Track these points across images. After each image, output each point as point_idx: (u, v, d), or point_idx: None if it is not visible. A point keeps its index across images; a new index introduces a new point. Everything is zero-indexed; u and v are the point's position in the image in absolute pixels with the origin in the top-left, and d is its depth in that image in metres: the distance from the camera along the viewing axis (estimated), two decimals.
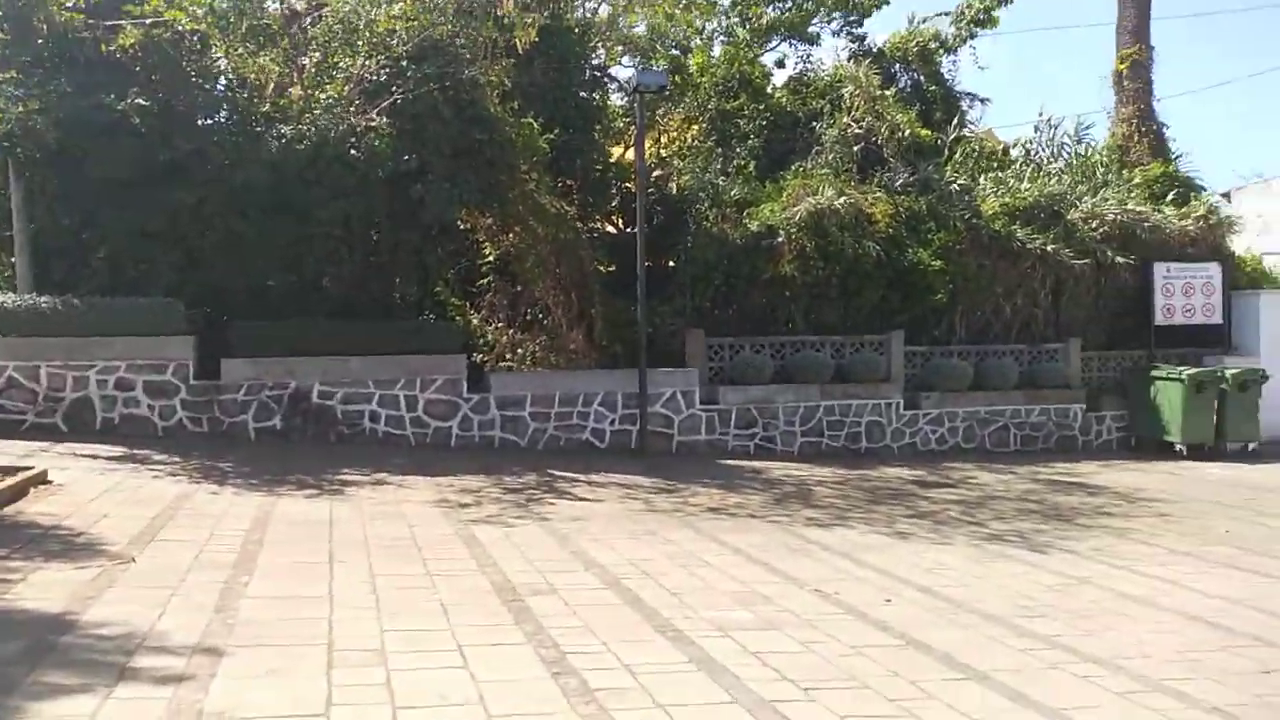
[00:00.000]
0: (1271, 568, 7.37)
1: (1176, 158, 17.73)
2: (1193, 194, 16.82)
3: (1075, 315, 15.45)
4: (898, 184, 14.84)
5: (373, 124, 12.01)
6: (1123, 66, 17.72)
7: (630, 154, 15.03)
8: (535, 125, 13.05)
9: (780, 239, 14.08)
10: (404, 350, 12.16)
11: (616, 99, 17.51)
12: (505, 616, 5.16)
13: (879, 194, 14.48)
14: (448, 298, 14.03)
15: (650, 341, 13.22)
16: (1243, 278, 16.98)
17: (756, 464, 12.46)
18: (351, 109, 12.25)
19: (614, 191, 15.42)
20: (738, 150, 16.97)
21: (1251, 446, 14.33)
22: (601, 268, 14.64)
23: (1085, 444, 14.84)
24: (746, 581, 6.29)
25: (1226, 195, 21.20)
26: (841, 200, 14.04)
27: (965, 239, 14.39)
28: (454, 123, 12.25)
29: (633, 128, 13.75)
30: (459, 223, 13.22)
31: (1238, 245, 17.40)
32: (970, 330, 15.14)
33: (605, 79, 17.14)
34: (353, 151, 12.04)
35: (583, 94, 15.32)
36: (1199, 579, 6.86)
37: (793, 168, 15.64)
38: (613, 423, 12.95)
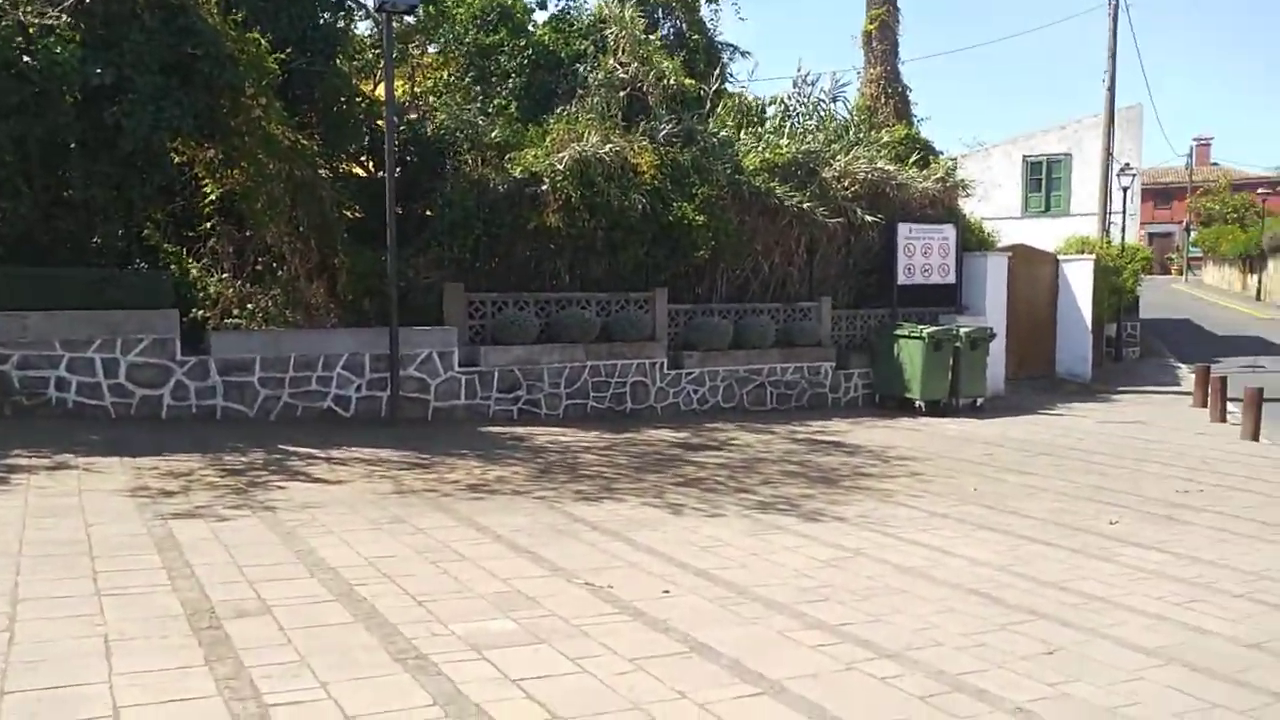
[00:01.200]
0: (1020, 527, 7.59)
1: (919, 121, 18.63)
2: (931, 157, 17.70)
3: (827, 274, 15.85)
4: (662, 134, 14.39)
5: (51, 24, 9.82)
6: (871, 27, 18.27)
7: (383, 90, 13.53)
8: (264, 42, 11.29)
9: (545, 187, 13.24)
10: (98, 304, 10.21)
11: (365, 28, 15.83)
12: (193, 653, 4.04)
13: (645, 143, 13.97)
14: (159, 242, 12.03)
15: (403, 296, 12.01)
16: (972, 240, 18.20)
17: (520, 430, 11.69)
18: (22, 4, 9.96)
19: (364, 131, 13.86)
20: (499, 89, 15.91)
21: (979, 402, 15.37)
22: (350, 214, 13.18)
23: (835, 401, 15.32)
24: (509, 578, 5.51)
25: (953, 161, 22.71)
26: (608, 148, 13.39)
27: (727, 194, 14.22)
28: (160, 32, 10.30)
29: (384, 61, 12.29)
30: (171, 153, 11.26)
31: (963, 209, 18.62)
32: (731, 288, 15.11)
33: (351, 3, 15.37)
34: (26, 59, 9.80)
35: (325, 15, 13.56)
36: (963, 544, 6.89)
37: (557, 111, 14.81)
38: (359, 388, 11.67)
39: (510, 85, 15.81)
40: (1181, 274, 56.97)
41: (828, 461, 10.46)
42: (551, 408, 13.04)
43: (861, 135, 16.56)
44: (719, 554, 6.35)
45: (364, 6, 15.17)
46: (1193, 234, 56.27)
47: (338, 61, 13.60)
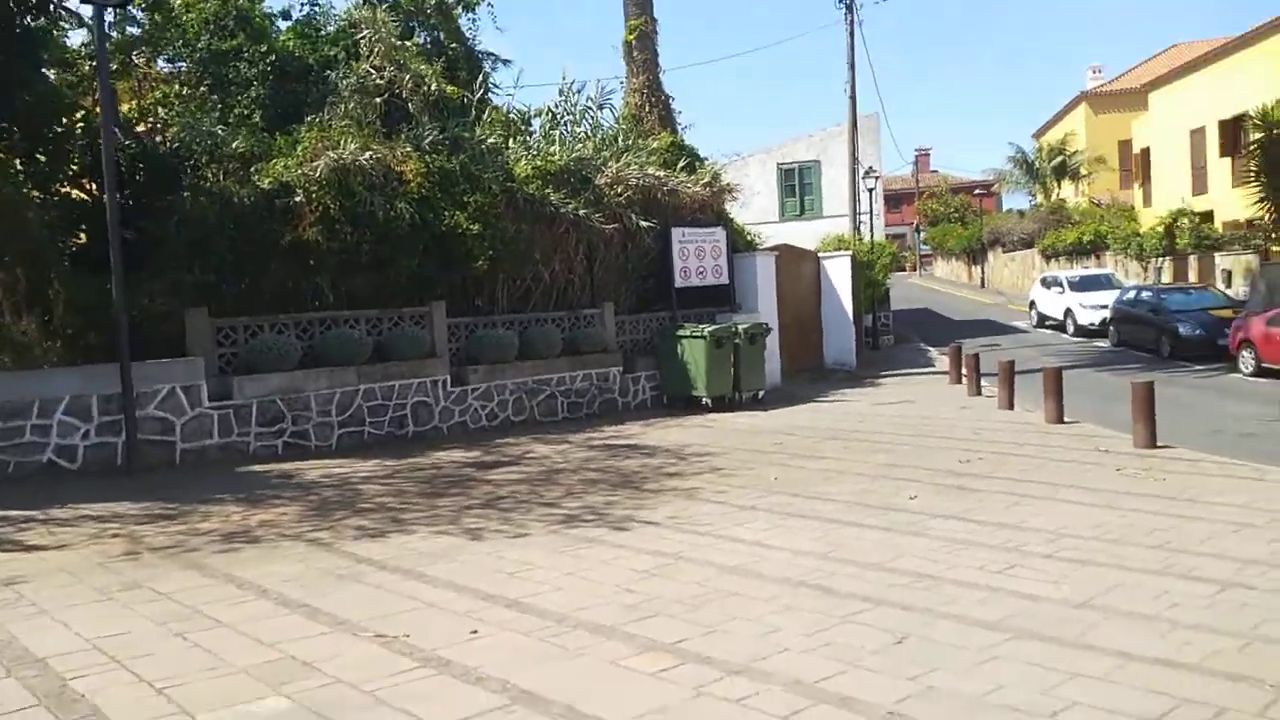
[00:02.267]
0: (828, 511, 7.49)
1: (684, 129, 18.82)
2: (697, 163, 17.91)
3: (608, 280, 15.57)
4: (427, 141, 13.55)
5: None
6: (631, 37, 18.28)
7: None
8: None
9: (299, 198, 12.05)
10: None
11: (79, 38, 13.89)
12: None
13: (409, 150, 13.07)
14: None
15: (137, 327, 10.46)
16: (740, 242, 18.60)
17: (287, 466, 10.44)
18: None
19: (84, 149, 11.98)
20: (239, 99, 14.41)
21: (761, 394, 15.61)
22: (72, 240, 11.45)
23: (625, 405, 15.04)
24: (279, 641, 4.58)
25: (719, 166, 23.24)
26: (367, 156, 12.40)
27: (501, 202, 13.59)
28: None
29: (98, 57, 10.67)
30: None
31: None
32: (512, 298, 14.47)
33: (58, 8, 13.35)
34: None
35: (25, 18, 11.60)
36: (780, 535, 6.65)
37: (308, 120, 13.60)
38: (87, 435, 10.00)
39: (253, 94, 14.36)
40: (915, 270, 62.39)
41: (628, 465, 10.05)
42: (323, 439, 11.83)
43: (630, 142, 16.46)
44: (529, 579, 5.70)
45: (77, 15, 13.21)
46: (922, 234, 61.79)
47: (44, 69, 11.72)
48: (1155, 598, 5.03)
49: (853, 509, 7.56)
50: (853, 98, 23.63)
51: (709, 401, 14.75)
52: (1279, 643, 4.29)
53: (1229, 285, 22.58)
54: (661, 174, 15.74)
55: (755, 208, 27.19)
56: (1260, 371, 16.08)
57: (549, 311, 14.75)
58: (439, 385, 12.98)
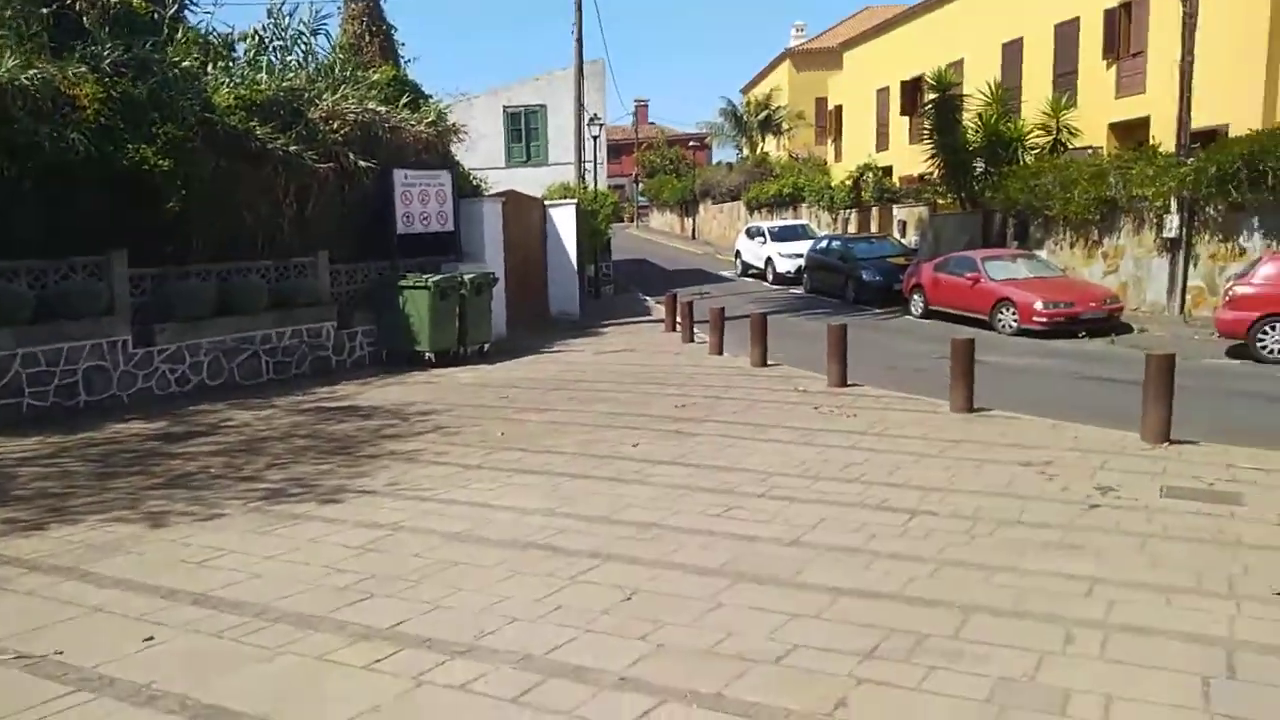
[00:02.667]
0: (556, 464, 7.42)
1: (407, 63, 17.74)
2: (421, 100, 17.02)
3: (322, 225, 14.41)
4: (107, 62, 11.68)
5: None
6: None
7: None
8: None
9: None
10: None
11: None
12: None
13: (84, 71, 11.23)
14: None
15: None
16: (466, 187, 18.01)
17: None
18: None
19: None
20: None
21: (486, 347, 15.30)
22: None
23: (340, 364, 14.13)
24: None
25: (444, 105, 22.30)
26: (31, 74, 10.50)
27: (197, 135, 12.06)
28: None
29: None
30: None
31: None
32: (211, 245, 12.96)
33: None
34: None
35: None
36: (506, 494, 6.47)
37: None
38: None
39: None
40: (634, 221, 64.25)
41: (343, 430, 9.42)
42: None
43: (348, 74, 15.22)
44: (222, 566, 5.11)
45: None
46: (640, 185, 63.63)
47: None
48: (855, 530, 5.41)
49: (578, 460, 7.54)
50: (579, 40, 23.46)
51: (432, 356, 14.22)
52: (961, 565, 4.75)
53: (905, 235, 25.17)
54: (383, 109, 14.75)
55: (482, 152, 26.48)
56: (928, 313, 18.08)
57: (254, 261, 13.44)
58: (118, 347, 11.44)
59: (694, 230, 48.02)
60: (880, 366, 12.72)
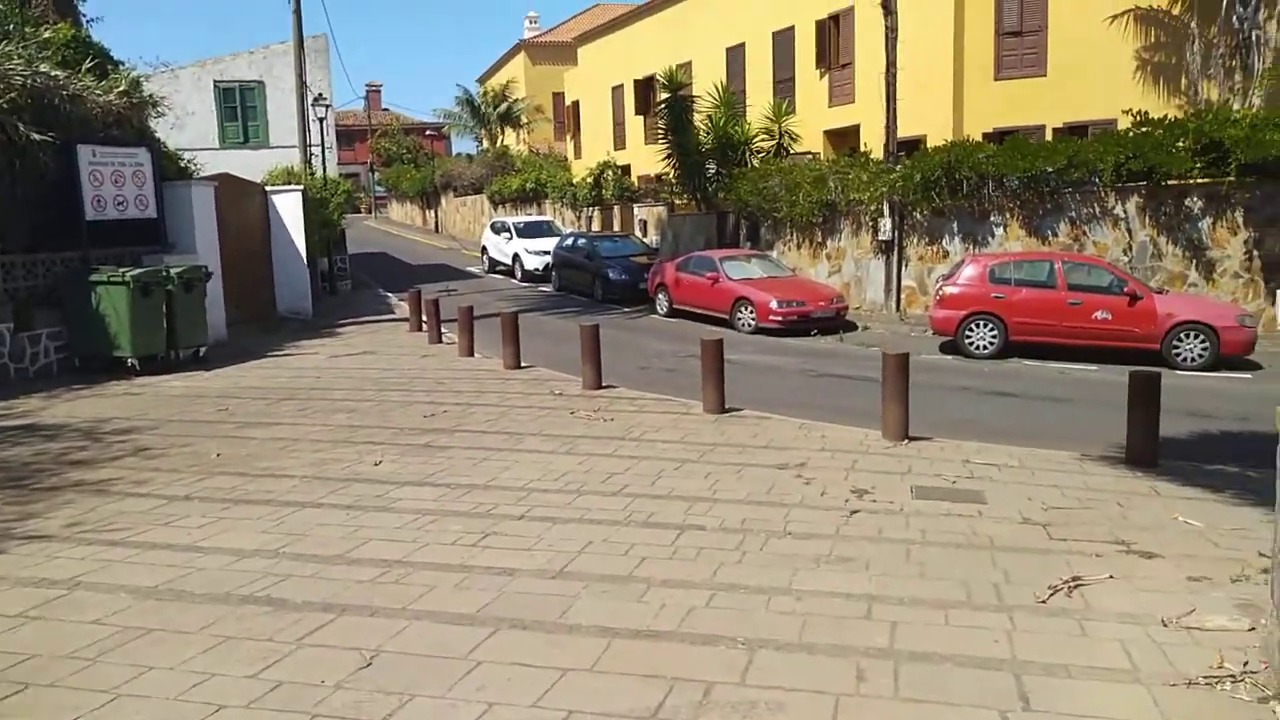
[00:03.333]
0: (282, 491, 6.52)
1: (90, 22, 15.36)
2: (111, 67, 14.82)
3: None
4: None
5: None
6: None
7: None
8: None
9: None
10: None
11: None
12: None
13: None
14: None
15: None
16: (171, 169, 15.99)
17: None
18: None
19: None
20: None
21: (202, 351, 13.63)
22: None
23: (20, 373, 12.01)
24: None
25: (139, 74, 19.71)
26: None
27: None
28: None
29: None
30: None
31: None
32: None
33: None
34: None
35: None
36: (221, 532, 5.53)
37: None
38: None
39: None
40: (371, 212, 61.31)
41: (17, 455, 7.83)
42: None
43: (13, 30, 12.84)
44: None
45: None
46: (376, 174, 60.78)
47: None
48: (624, 554, 5.07)
49: (312, 485, 6.68)
50: (297, 11, 21.57)
51: (135, 362, 12.39)
52: (737, 589, 4.53)
53: (646, 234, 25.61)
54: (59, 74, 12.58)
55: (191, 130, 23.89)
56: (673, 312, 18.39)
57: None
58: None
59: (437, 223, 46.47)
60: (633, 366, 12.64)
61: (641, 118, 31.08)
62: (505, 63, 46.89)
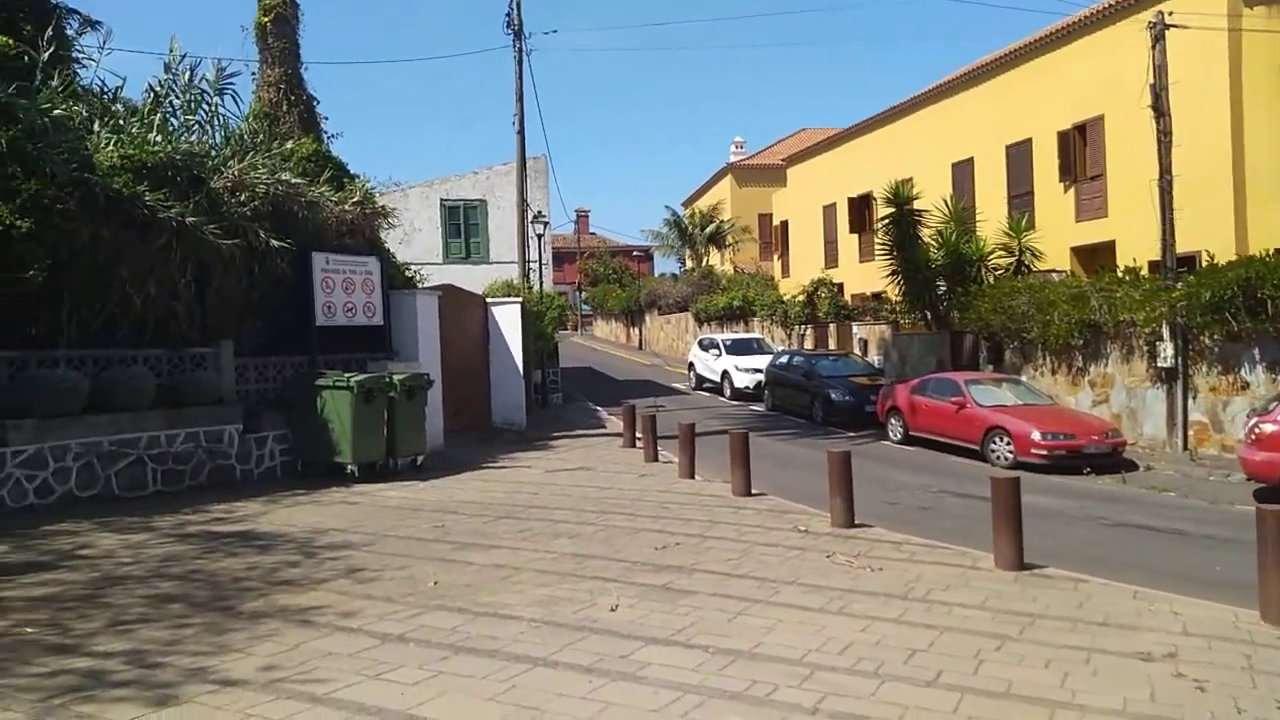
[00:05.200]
0: (509, 637, 5.43)
1: (330, 137, 16.06)
2: (346, 179, 15.30)
3: (226, 312, 12.41)
4: None
5: None
6: (266, 19, 15.27)
7: None
8: None
9: None
10: None
11: None
12: None
13: None
14: None
15: None
16: (398, 278, 16.21)
17: None
18: None
19: None
20: None
21: (420, 460, 13.24)
22: None
23: (245, 475, 11.93)
24: None
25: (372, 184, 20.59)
26: None
27: (71, 197, 10.10)
28: None
29: None
30: None
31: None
32: (86, 329, 10.90)
33: None
34: None
35: None
36: (441, 694, 4.47)
37: None
38: None
39: None
40: (577, 329, 62.92)
41: (228, 568, 7.25)
42: None
43: (260, 142, 13.42)
44: None
45: None
46: (583, 293, 62.57)
47: None
48: None
49: (541, 632, 5.56)
50: (521, 132, 22.19)
51: (355, 469, 12.09)
52: None
53: (865, 353, 24.01)
54: (298, 182, 12.91)
55: (417, 245, 24.88)
56: (908, 439, 16.60)
57: (141, 349, 11.31)
58: None
59: (641, 340, 46.71)
60: (878, 501, 11.03)
61: (856, 235, 29.92)
62: (712, 185, 47.40)
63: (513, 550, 7.96)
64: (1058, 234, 21.46)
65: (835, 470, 9.29)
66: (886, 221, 21.81)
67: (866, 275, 28.35)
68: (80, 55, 13.10)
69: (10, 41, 11.11)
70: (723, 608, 6.19)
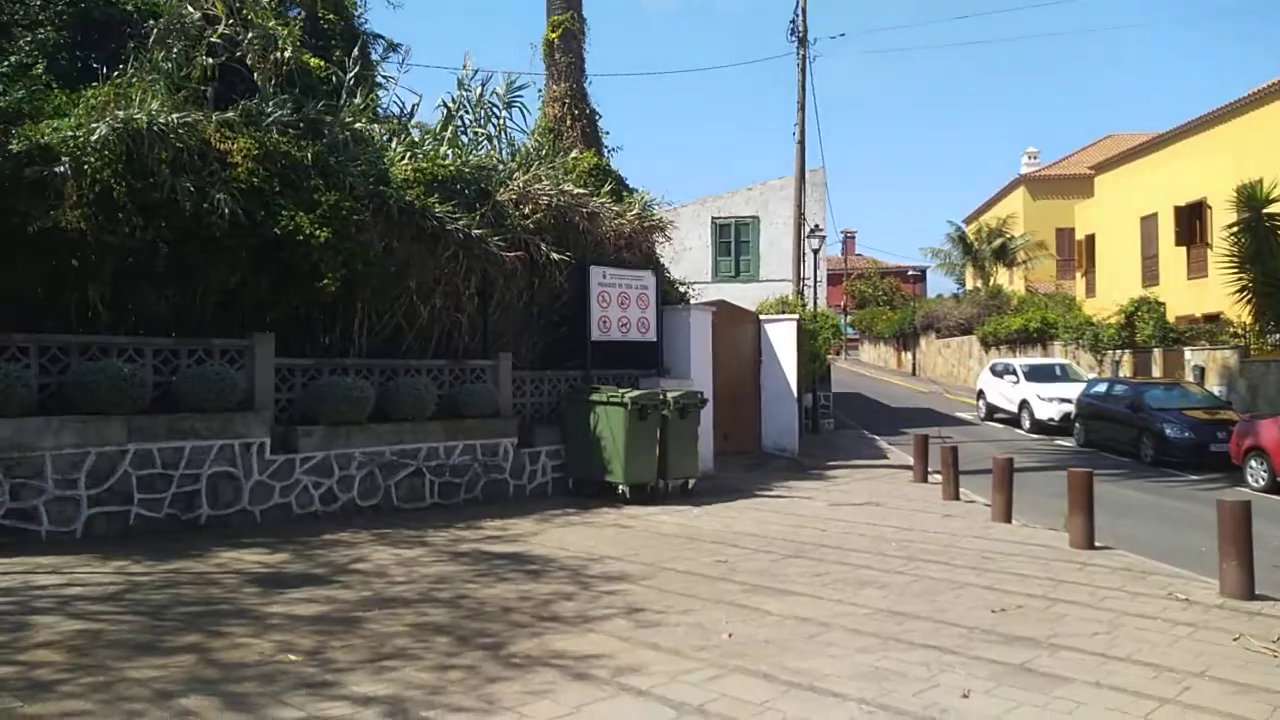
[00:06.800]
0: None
1: (611, 151, 15.75)
2: (625, 193, 14.83)
3: (506, 324, 12.22)
4: (271, 119, 10.11)
5: None
6: (554, 35, 15.23)
7: None
8: None
9: (63, 169, 8.44)
10: None
11: None
12: None
13: (238, 123, 9.61)
14: None
15: None
16: (673, 293, 15.53)
17: None
18: None
19: None
20: (19, 43, 10.76)
21: (691, 484, 12.33)
22: None
23: (519, 490, 11.56)
24: None
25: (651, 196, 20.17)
26: (174, 118, 8.90)
27: (367, 208, 10.16)
28: None
29: None
30: None
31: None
32: (375, 339, 10.99)
33: None
34: None
35: None
36: None
37: (113, 77, 10.07)
38: None
39: (40, 38, 10.74)
40: (841, 353, 60.53)
41: (498, 595, 6.56)
42: (62, 521, 8.06)
43: (545, 155, 13.23)
44: None
45: None
46: (849, 316, 60.17)
47: None
48: None
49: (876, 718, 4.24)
50: (801, 142, 21.02)
51: (626, 490, 11.38)
52: None
53: (1201, 383, 20.41)
54: (581, 192, 12.53)
55: (686, 264, 24.31)
56: (1275, 486, 13.51)
57: (424, 360, 11.28)
58: (254, 451, 9.32)
59: (914, 366, 43.83)
60: (1263, 564, 8.59)
61: (1184, 249, 25.88)
62: (1000, 199, 43.71)
63: (813, 600, 6.69)
64: None
65: (1229, 524, 7.21)
66: (1236, 229, 18.36)
67: (1197, 294, 24.40)
68: (383, 78, 13.58)
69: (321, 64, 11.54)
70: (1117, 706, 4.58)
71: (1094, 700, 4.67)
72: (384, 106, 12.99)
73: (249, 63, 10.70)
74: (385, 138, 12.03)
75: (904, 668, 5.09)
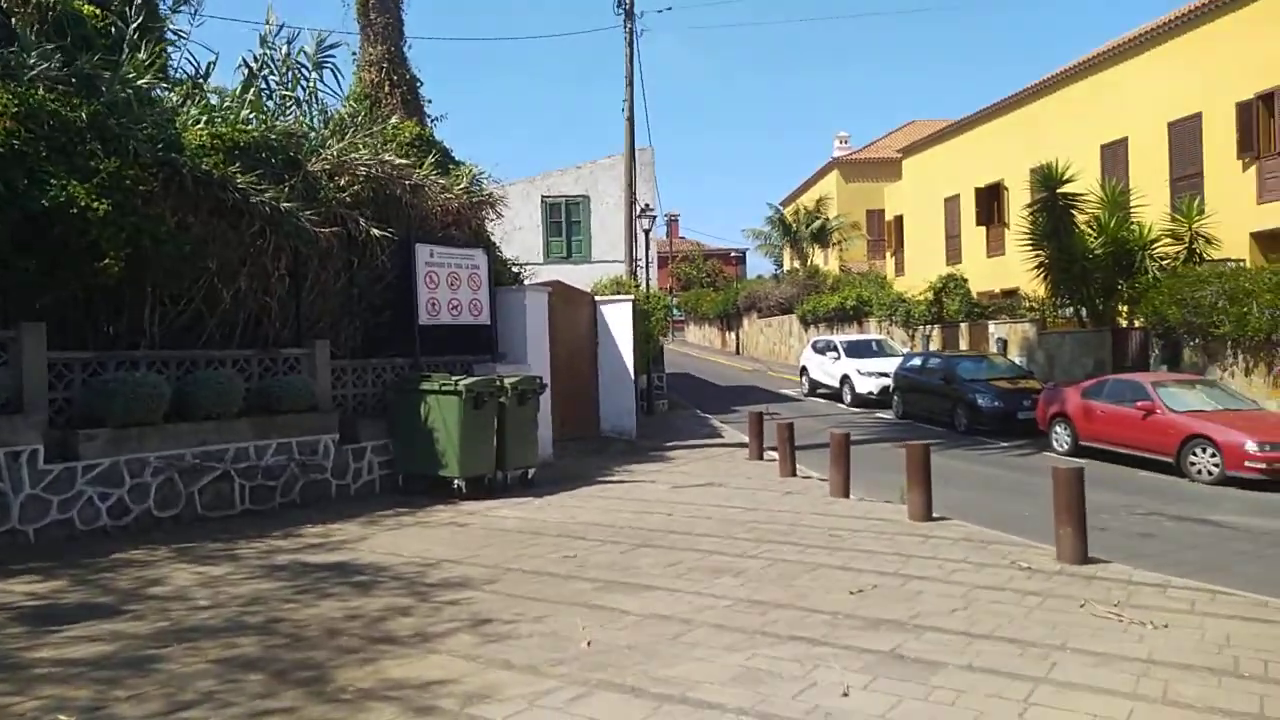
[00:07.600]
0: None
1: (434, 121, 14.79)
2: (452, 165, 13.98)
3: (323, 308, 11.19)
4: (35, 72, 8.67)
5: None
6: None
7: None
8: None
9: None
10: None
11: None
12: None
13: None
14: None
15: None
16: (505, 274, 14.84)
17: None
18: None
19: None
20: None
21: (531, 474, 11.75)
22: None
23: (341, 491, 10.62)
24: None
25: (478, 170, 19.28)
26: None
27: (155, 177, 8.91)
28: None
29: None
30: None
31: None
32: (170, 327, 9.74)
33: None
34: None
35: None
36: None
37: None
38: None
39: None
40: (666, 334, 61.32)
41: (322, 615, 5.79)
42: None
43: (361, 122, 12.19)
44: None
45: None
46: (675, 298, 61.00)
47: None
48: None
49: None
50: (630, 119, 20.69)
51: (462, 484, 10.66)
52: None
53: (1005, 354, 21.74)
54: (404, 162, 11.61)
55: (518, 243, 23.56)
56: (1077, 449, 14.44)
57: (229, 350, 10.11)
58: (23, 460, 8.01)
59: (738, 345, 44.83)
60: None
61: (983, 228, 27.55)
62: (815, 182, 45.28)
63: (671, 594, 6.32)
64: (1234, 218, 18.85)
65: (1064, 493, 7.40)
66: (1035, 208, 19.55)
67: (996, 271, 26.02)
68: (173, 33, 12.06)
69: (98, 12, 10.06)
70: (996, 690, 4.45)
71: (972, 687, 4.52)
72: (176, 66, 11.59)
73: (3, 5, 9.15)
74: (178, 101, 10.69)
75: (776, 666, 4.78)
